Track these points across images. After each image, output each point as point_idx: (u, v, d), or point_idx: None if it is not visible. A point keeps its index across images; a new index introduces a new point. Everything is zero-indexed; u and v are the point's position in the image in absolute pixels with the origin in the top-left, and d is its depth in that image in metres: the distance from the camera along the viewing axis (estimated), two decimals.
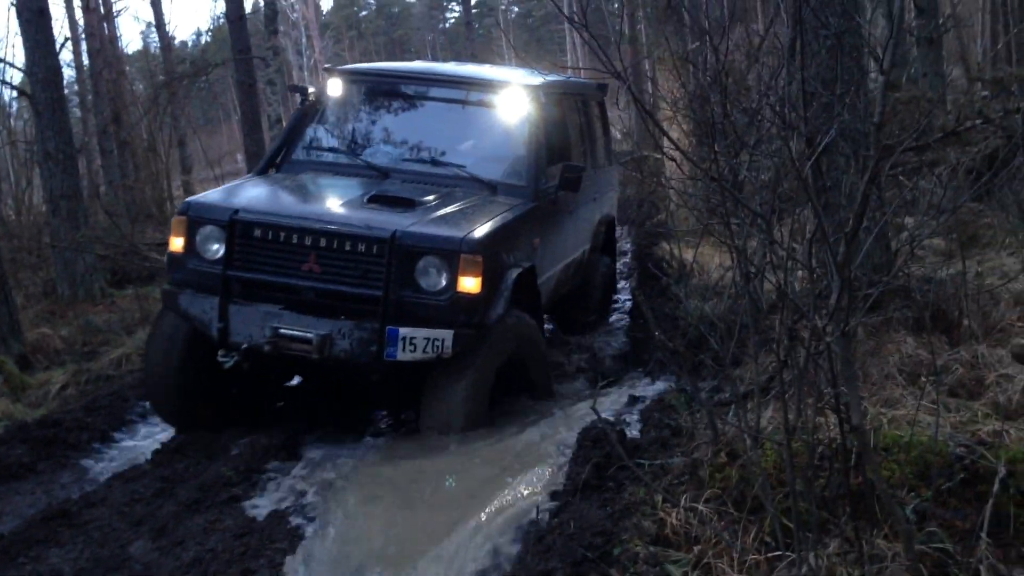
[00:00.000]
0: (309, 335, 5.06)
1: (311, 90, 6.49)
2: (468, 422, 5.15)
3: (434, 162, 6.26)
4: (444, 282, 5.12)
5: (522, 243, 5.75)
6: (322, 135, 6.47)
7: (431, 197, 5.72)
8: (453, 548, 3.91)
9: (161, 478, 4.88)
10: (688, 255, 7.73)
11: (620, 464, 4.05)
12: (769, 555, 3.16)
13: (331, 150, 6.40)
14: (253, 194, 5.67)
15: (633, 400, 5.67)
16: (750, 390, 4.05)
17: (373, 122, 6.57)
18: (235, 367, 5.30)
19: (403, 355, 5.05)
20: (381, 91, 6.61)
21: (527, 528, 3.93)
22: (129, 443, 5.73)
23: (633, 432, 4.86)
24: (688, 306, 5.75)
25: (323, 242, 5.15)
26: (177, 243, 5.34)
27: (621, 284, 9.64)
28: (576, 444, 4.59)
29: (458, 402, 5.16)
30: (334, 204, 5.51)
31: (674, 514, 3.53)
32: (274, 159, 6.34)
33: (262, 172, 6.28)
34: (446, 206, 5.62)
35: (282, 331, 5.10)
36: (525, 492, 4.31)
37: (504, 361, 5.40)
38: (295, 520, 4.37)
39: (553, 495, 4.20)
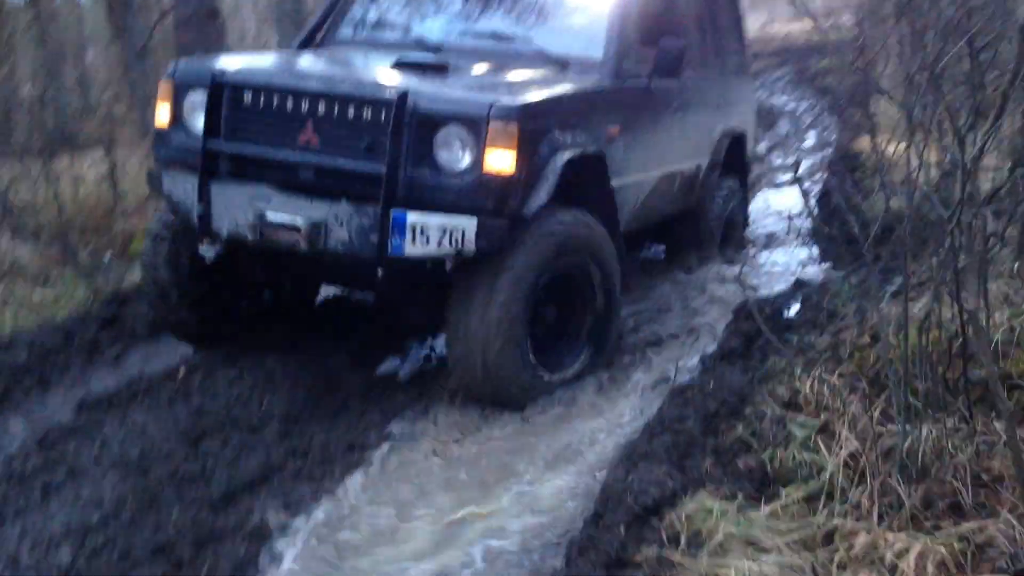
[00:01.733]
0: (298, 221, 4.02)
1: None
2: (500, 355, 4.08)
3: (495, 36, 5.12)
4: (469, 158, 3.98)
5: (589, 125, 4.53)
6: (370, 6, 5.42)
7: (474, 66, 4.60)
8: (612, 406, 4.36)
9: None
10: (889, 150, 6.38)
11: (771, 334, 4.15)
12: (889, 427, 3.27)
13: (377, 24, 5.34)
14: (259, 59, 4.68)
15: (799, 284, 5.72)
16: (918, 282, 4.12)
17: None
18: (232, 267, 4.35)
19: (412, 248, 3.95)
20: None
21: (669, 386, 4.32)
22: None
23: (791, 313, 5.12)
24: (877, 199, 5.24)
25: (321, 108, 4.10)
26: (162, 112, 4.41)
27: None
28: (732, 317, 5.00)
29: (490, 322, 4.04)
30: (347, 69, 4.44)
31: (808, 383, 3.70)
32: (314, 33, 5.34)
33: (300, 47, 5.29)
34: (489, 74, 4.49)
35: (268, 216, 4.08)
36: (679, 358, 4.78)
37: (551, 274, 4.25)
38: None
39: (701, 360, 4.64)
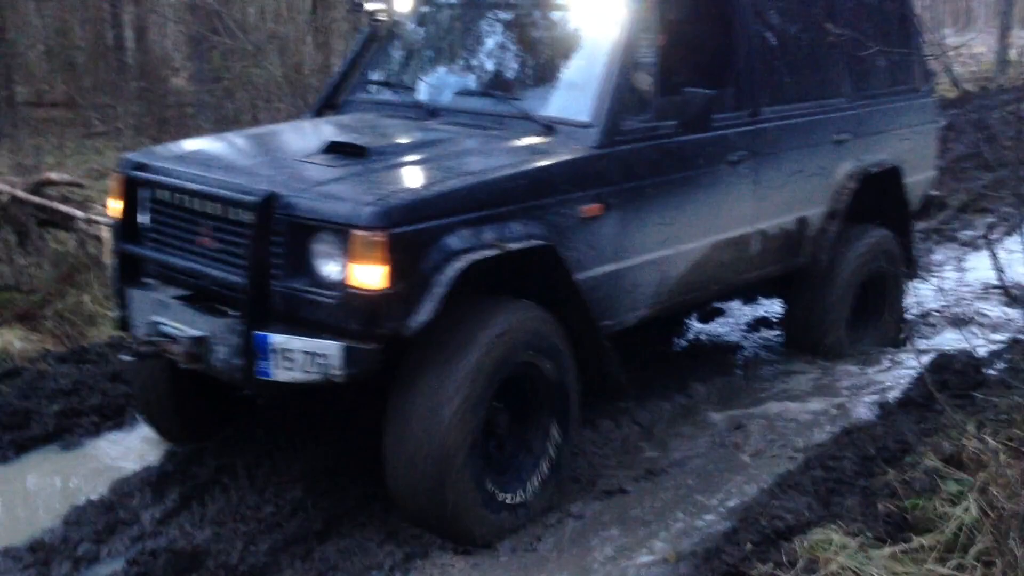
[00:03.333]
0: (182, 335, 3.72)
1: (375, 6, 5.01)
2: (449, 474, 3.59)
3: (487, 95, 4.49)
4: (339, 272, 3.46)
5: (538, 211, 3.81)
6: (384, 66, 4.97)
7: (405, 147, 4.05)
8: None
9: None
10: None
11: (956, 391, 4.40)
12: None
13: (385, 84, 4.88)
14: (191, 146, 4.40)
15: (1016, 342, 5.48)
16: None
17: (441, 45, 4.91)
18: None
19: (280, 372, 3.51)
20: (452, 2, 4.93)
21: (841, 429, 4.43)
22: None
23: (991, 371, 4.91)
24: None
25: (209, 208, 3.75)
26: (113, 205, 4.27)
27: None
28: (924, 368, 4.79)
29: (437, 434, 3.55)
30: (274, 157, 4.04)
31: (973, 442, 3.63)
32: (331, 97, 5.00)
33: (317, 113, 4.97)
34: (419, 155, 3.91)
35: (161, 327, 3.81)
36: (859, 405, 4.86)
37: (503, 376, 3.70)
38: None
39: (881, 407, 4.71)
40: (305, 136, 4.28)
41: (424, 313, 3.42)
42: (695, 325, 6.17)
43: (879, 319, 5.79)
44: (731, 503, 3.95)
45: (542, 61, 4.50)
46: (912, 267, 6.04)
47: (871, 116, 5.55)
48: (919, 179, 5.99)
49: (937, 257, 7.81)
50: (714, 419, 4.79)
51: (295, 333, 3.47)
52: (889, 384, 5.08)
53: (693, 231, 4.52)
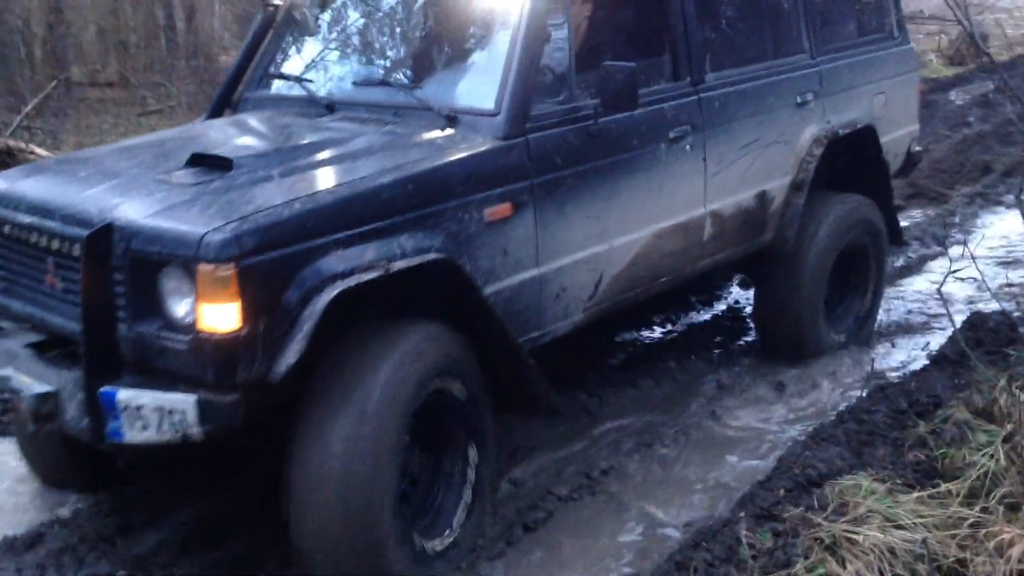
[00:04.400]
0: (27, 392, 3.22)
1: None
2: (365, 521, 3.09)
3: (386, 84, 3.95)
4: (190, 311, 2.96)
5: (431, 221, 3.29)
6: (281, 56, 4.43)
7: (288, 147, 3.55)
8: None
9: None
10: None
11: (990, 349, 4.39)
12: None
13: (281, 77, 4.34)
14: (73, 163, 3.87)
15: None
16: None
17: (340, 30, 4.36)
18: None
19: (133, 434, 3.00)
20: None
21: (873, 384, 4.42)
22: None
23: None
24: None
25: (50, 243, 3.25)
26: None
27: None
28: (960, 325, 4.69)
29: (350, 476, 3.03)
30: (130, 175, 3.50)
31: (1004, 396, 3.70)
32: (228, 94, 4.46)
33: (214, 114, 4.44)
34: (294, 164, 3.38)
35: (11, 381, 3.32)
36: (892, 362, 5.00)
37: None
38: None
39: (917, 363, 4.80)
40: (180, 146, 3.76)
41: (291, 355, 2.90)
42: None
43: (862, 300, 5.24)
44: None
45: (446, 42, 3.95)
46: (897, 235, 5.46)
47: (837, 72, 4.97)
48: (898, 136, 5.41)
49: (980, 221, 7.30)
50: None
51: (146, 387, 2.98)
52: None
53: (631, 221, 3.98)
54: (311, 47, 4.34)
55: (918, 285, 6.05)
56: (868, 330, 5.26)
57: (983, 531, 3.02)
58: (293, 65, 4.33)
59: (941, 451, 3.52)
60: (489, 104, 3.58)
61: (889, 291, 5.72)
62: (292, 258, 2.95)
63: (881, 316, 5.45)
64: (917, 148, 5.71)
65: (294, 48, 4.40)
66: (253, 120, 4.09)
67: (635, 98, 3.71)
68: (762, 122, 4.55)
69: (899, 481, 3.35)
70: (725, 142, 4.36)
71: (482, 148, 3.46)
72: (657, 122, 4.03)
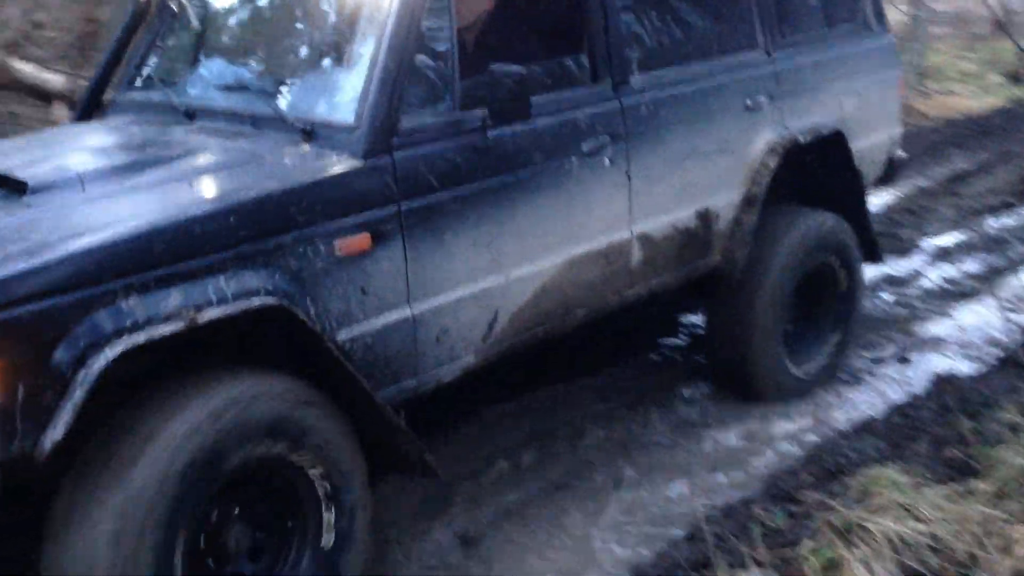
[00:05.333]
0: None
1: None
2: None
3: (244, 93, 3.44)
4: None
5: (261, 259, 2.76)
6: (151, 55, 3.91)
7: (106, 166, 3.03)
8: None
9: None
10: None
11: None
12: None
13: (146, 79, 3.83)
14: None
15: None
16: None
17: (207, 28, 3.83)
18: None
19: None
20: None
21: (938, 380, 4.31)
22: None
23: None
24: None
25: None
26: None
27: None
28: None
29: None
30: None
31: None
32: (96, 96, 3.95)
33: (82, 117, 3.94)
34: (103, 188, 2.86)
35: None
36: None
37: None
38: None
39: (984, 365, 4.60)
40: (11, 158, 3.25)
41: (57, 430, 2.39)
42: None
43: (832, 333, 4.64)
44: None
45: (314, 44, 3.41)
46: (873, 252, 4.85)
47: (799, 70, 4.37)
48: (875, 142, 4.80)
49: None
50: None
51: None
52: None
53: (533, 249, 3.43)
54: (184, 45, 3.82)
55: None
56: (837, 363, 4.66)
57: (997, 528, 2.94)
58: (165, 65, 3.82)
59: (978, 448, 3.44)
60: (348, 116, 3.04)
61: None
62: (64, 310, 2.43)
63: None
64: (901, 154, 5.09)
65: (166, 46, 3.87)
66: (101, 129, 3.60)
67: (526, 106, 3.17)
68: (702, 130, 3.97)
69: (929, 476, 3.29)
70: (655, 154, 3.79)
71: (332, 170, 2.93)
72: (566, 133, 3.48)
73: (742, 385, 4.39)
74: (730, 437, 4.13)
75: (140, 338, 2.47)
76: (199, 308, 2.59)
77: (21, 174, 2.84)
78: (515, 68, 3.11)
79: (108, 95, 3.90)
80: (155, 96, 3.67)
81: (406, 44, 3.07)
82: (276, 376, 2.78)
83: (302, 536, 2.88)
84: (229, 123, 3.31)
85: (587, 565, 3.33)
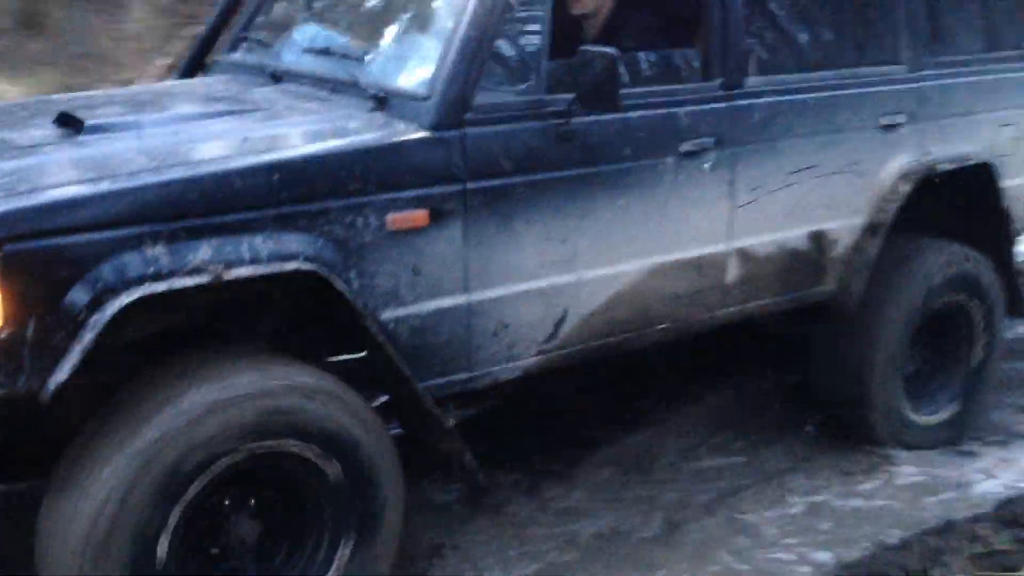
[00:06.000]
0: None
1: None
2: None
3: (329, 54, 3.31)
4: None
5: (287, 221, 2.60)
6: (256, 19, 3.86)
7: (172, 115, 2.96)
8: None
9: None
10: None
11: None
12: None
13: (246, 41, 3.77)
14: None
15: None
16: None
17: None
18: None
19: None
20: None
21: None
22: None
23: None
24: None
25: None
26: None
27: None
28: None
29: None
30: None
31: None
32: (200, 57, 3.93)
33: (185, 74, 3.93)
34: (155, 133, 2.78)
35: None
36: None
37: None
38: None
39: None
40: (89, 102, 3.23)
41: (63, 370, 2.30)
42: None
43: (963, 377, 4.20)
44: None
45: (402, 12, 3.26)
46: (1018, 303, 4.36)
47: (947, 92, 3.96)
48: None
49: None
50: None
51: None
52: None
53: (613, 251, 3.18)
54: (285, 11, 3.75)
55: None
56: (971, 413, 4.22)
57: None
58: (265, 30, 3.76)
59: None
60: (421, 86, 2.87)
61: None
62: (85, 249, 2.34)
63: None
64: None
65: (272, 11, 3.82)
66: (188, 84, 3.55)
67: (614, 94, 2.92)
68: (825, 144, 3.63)
69: None
70: (766, 165, 3.48)
71: (393, 138, 2.76)
72: (663, 130, 3.21)
73: (852, 426, 4.01)
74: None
75: (160, 287, 2.36)
76: (229, 265, 2.46)
77: (83, 115, 2.79)
78: (607, 50, 2.87)
79: (212, 58, 3.87)
80: (250, 58, 3.61)
81: (491, 16, 2.88)
82: (297, 367, 2.61)
83: (318, 537, 2.70)
84: (312, 87, 3.19)
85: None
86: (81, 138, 2.69)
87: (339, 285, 2.60)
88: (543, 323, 3.10)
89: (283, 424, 2.49)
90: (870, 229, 3.79)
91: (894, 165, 3.81)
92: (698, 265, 3.39)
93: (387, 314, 2.77)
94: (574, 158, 3.03)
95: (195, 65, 3.89)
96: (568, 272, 3.09)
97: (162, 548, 2.38)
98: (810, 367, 4.13)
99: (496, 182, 2.89)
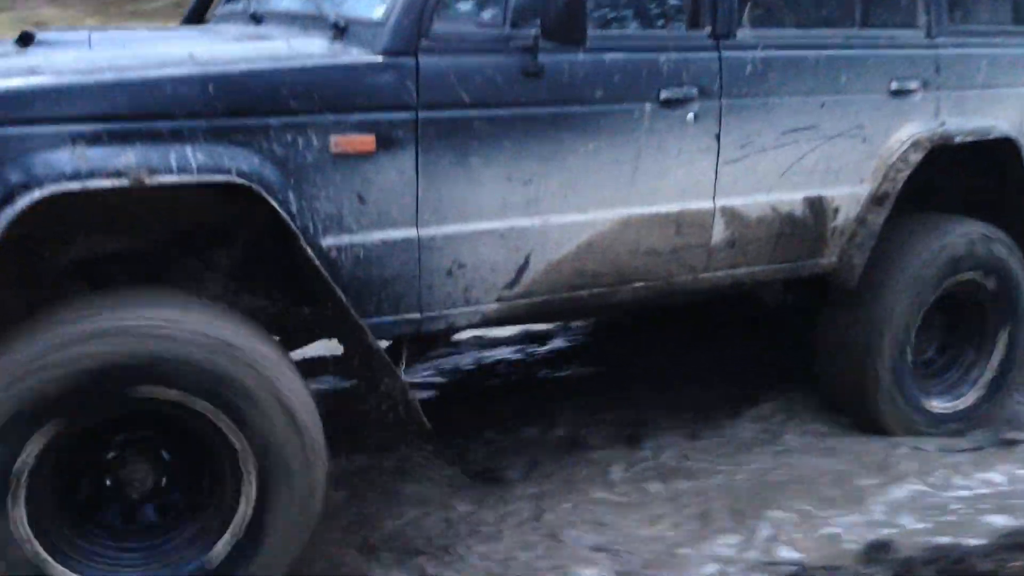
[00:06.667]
0: None
1: None
2: None
3: None
4: None
5: (224, 134, 2.55)
6: None
7: (126, 38, 2.96)
8: None
9: None
10: None
11: None
12: None
13: None
14: None
15: None
16: None
17: None
18: None
19: None
20: None
21: None
22: None
23: None
24: None
25: None
26: None
27: None
28: None
29: None
30: None
31: None
32: (200, 8, 3.93)
33: (188, 20, 3.95)
34: (101, 48, 2.77)
35: None
36: None
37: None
38: None
39: None
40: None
41: None
42: None
43: (981, 365, 3.96)
44: None
45: None
46: None
47: (968, 62, 3.75)
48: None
49: None
50: None
51: None
52: None
53: (580, 197, 3.06)
54: None
55: None
56: (988, 404, 3.97)
57: None
58: None
59: None
60: (378, 12, 2.81)
61: None
62: (4, 142, 2.32)
63: None
64: None
65: None
66: (184, 28, 3.56)
67: (579, 29, 2.81)
68: (826, 106, 3.45)
69: None
70: (756, 121, 3.32)
71: (340, 59, 2.70)
72: (640, 75, 3.09)
73: (859, 414, 3.80)
74: None
75: (74, 186, 2.33)
76: (153, 171, 2.42)
77: (41, 36, 2.79)
78: None
79: (214, 8, 3.88)
80: (240, 7, 3.60)
81: None
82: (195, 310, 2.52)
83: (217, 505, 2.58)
84: (286, 25, 3.16)
85: None
86: (29, 48, 2.69)
87: (272, 202, 2.53)
88: (504, 267, 2.99)
89: (138, 370, 2.37)
90: (875, 199, 3.60)
91: (904, 132, 3.61)
92: (678, 221, 3.24)
93: (330, 240, 2.70)
94: (540, 97, 2.93)
95: (195, 18, 3.90)
96: (531, 215, 2.99)
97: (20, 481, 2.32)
98: (814, 350, 3.93)
99: (452, 114, 2.81)
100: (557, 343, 4.62)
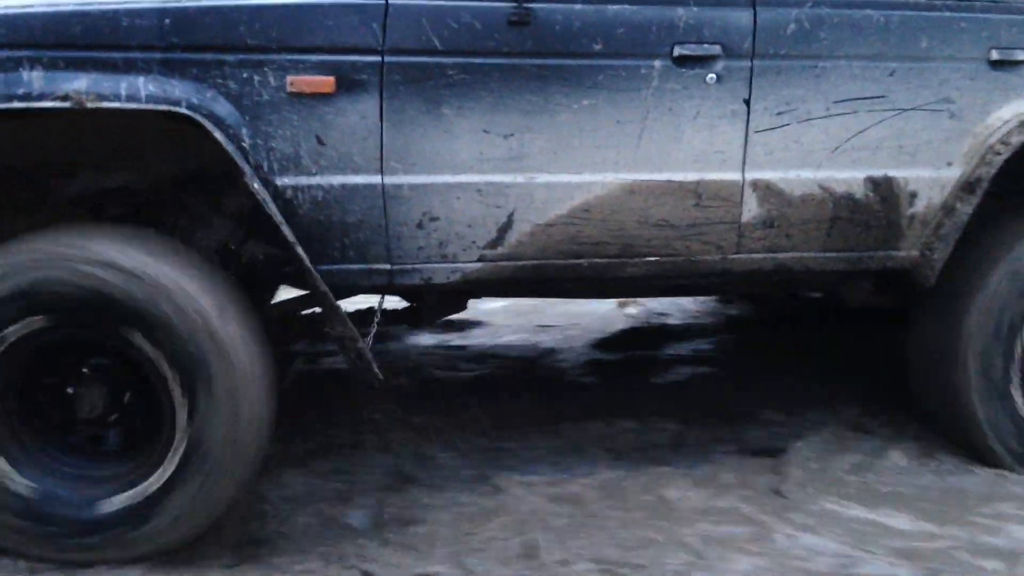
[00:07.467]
0: None
1: None
2: None
3: None
4: None
5: (176, 67, 2.63)
6: None
7: None
8: None
9: None
10: None
11: None
12: None
13: None
14: None
15: None
16: None
17: None
18: None
19: None
20: None
21: None
22: None
23: None
24: None
25: None
26: None
27: None
28: None
29: None
30: None
31: None
32: None
33: None
34: None
35: None
36: None
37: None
38: None
39: None
40: None
41: None
42: None
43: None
44: None
45: None
46: None
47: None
48: None
49: None
50: None
51: None
52: None
53: (574, 156, 2.88)
54: None
55: None
56: None
57: None
58: None
59: None
60: None
61: None
62: None
63: None
64: None
65: None
66: None
67: None
68: (900, 73, 3.03)
69: None
70: (800, 86, 2.97)
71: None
72: (649, 27, 2.86)
73: (955, 436, 3.30)
74: None
75: (19, 105, 2.50)
76: (101, 97, 2.55)
77: None
78: None
79: None
80: None
81: None
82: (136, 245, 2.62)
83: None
84: None
85: None
86: None
87: (217, 135, 2.59)
88: (483, 224, 2.87)
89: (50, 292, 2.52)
90: (965, 185, 3.10)
91: (1006, 110, 3.10)
92: (696, 192, 2.96)
93: (286, 180, 2.72)
94: (525, 47, 2.79)
95: None
96: (512, 172, 2.84)
97: None
98: (909, 363, 3.44)
99: (422, 59, 2.74)
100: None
